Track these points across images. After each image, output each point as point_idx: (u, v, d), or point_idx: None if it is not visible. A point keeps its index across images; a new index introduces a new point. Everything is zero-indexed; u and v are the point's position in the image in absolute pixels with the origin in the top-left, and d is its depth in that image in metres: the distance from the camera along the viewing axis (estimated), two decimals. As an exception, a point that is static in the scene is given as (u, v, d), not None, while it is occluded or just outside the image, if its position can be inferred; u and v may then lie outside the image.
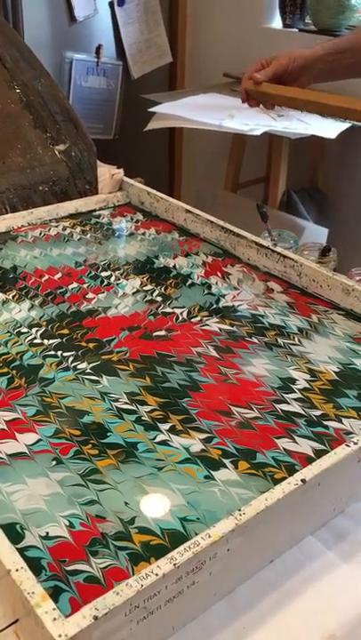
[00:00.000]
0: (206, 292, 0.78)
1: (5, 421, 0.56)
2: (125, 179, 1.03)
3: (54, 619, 0.36)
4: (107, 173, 1.04)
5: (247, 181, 2.07)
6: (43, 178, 0.99)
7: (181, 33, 2.27)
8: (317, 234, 1.71)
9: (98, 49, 2.05)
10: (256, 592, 0.46)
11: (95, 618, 0.36)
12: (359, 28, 1.09)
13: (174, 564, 0.39)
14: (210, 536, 0.40)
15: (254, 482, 0.50)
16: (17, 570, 0.38)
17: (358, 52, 0.98)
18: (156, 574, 0.38)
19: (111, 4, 2.04)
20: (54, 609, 0.36)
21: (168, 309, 0.74)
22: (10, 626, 0.40)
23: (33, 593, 0.37)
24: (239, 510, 0.42)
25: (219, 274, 0.82)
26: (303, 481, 0.45)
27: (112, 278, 0.80)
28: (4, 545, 0.40)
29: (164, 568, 0.38)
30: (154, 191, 0.99)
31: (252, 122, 1.62)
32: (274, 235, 1.09)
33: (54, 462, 0.52)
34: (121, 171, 1.05)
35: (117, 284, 0.79)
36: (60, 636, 0.35)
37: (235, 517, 0.42)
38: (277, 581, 0.47)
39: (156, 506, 0.48)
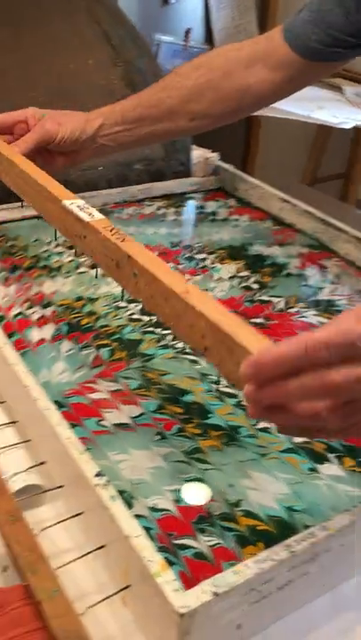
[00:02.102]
0: (303, 283, 0.77)
1: (110, 392, 0.56)
2: (220, 163, 1.03)
3: (175, 589, 0.36)
4: (201, 157, 1.04)
5: (325, 176, 2.03)
6: (139, 156, 0.99)
7: (272, 20, 2.23)
8: None
9: (187, 33, 2.04)
10: None
11: (215, 594, 0.36)
12: (146, 90, 0.79)
13: (291, 552, 0.38)
14: (326, 529, 0.40)
15: (360, 479, 0.49)
16: (136, 536, 0.39)
17: (155, 119, 0.77)
18: (273, 560, 0.38)
19: (205, -12, 2.02)
20: (174, 580, 0.36)
21: (265, 297, 0.73)
22: (119, 592, 0.41)
23: (152, 561, 0.37)
24: (355, 507, 0.42)
25: (315, 266, 0.80)
26: None
27: (207, 262, 0.80)
28: (122, 510, 0.40)
29: (281, 555, 0.38)
30: (249, 177, 0.98)
31: (342, 115, 1.58)
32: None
33: (158, 437, 0.52)
34: (215, 155, 1.04)
35: (212, 268, 0.79)
36: (182, 607, 0.35)
37: (351, 513, 0.41)
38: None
39: (260, 491, 0.48)
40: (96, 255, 0.55)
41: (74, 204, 0.57)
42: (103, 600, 0.40)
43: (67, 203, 0.57)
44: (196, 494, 0.47)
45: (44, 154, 0.75)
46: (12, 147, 0.73)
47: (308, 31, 0.69)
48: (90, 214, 0.56)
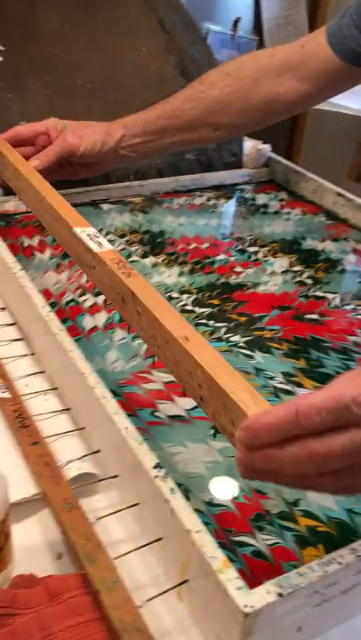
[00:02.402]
0: (358, 280, 0.75)
1: (164, 383, 0.56)
2: (272, 155, 1.01)
3: (238, 587, 0.35)
4: (253, 148, 1.02)
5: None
6: (191, 146, 0.98)
7: (322, 12, 2.18)
8: None
9: (235, 22, 2.01)
10: None
11: (280, 595, 0.35)
12: (171, 100, 0.77)
13: (358, 556, 0.37)
14: (394, 534, 0.39)
15: None
16: (197, 531, 0.38)
17: (177, 130, 0.76)
18: (339, 563, 0.37)
19: (255, -23, 1.99)
20: (237, 577, 0.36)
21: (319, 293, 0.71)
22: (175, 587, 0.40)
23: (214, 557, 0.37)
24: None
25: (371, 263, 0.78)
26: None
27: (259, 254, 0.79)
28: (183, 504, 0.40)
29: (347, 558, 0.37)
30: (302, 170, 0.96)
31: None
32: None
33: (213, 430, 0.51)
34: (268, 146, 1.02)
35: (265, 261, 0.77)
36: (245, 606, 0.34)
37: None
38: None
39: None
40: (104, 286, 0.54)
41: (84, 232, 0.56)
42: (161, 594, 0.39)
43: (77, 230, 0.56)
44: (225, 489, 0.47)
45: (65, 165, 0.75)
46: (33, 160, 0.72)
47: (353, 35, 0.69)
48: (99, 244, 0.55)
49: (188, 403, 0.54)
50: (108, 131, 0.75)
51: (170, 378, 0.56)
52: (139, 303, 0.48)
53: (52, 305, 0.66)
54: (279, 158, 1.00)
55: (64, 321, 0.63)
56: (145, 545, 0.43)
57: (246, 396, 0.38)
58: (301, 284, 0.73)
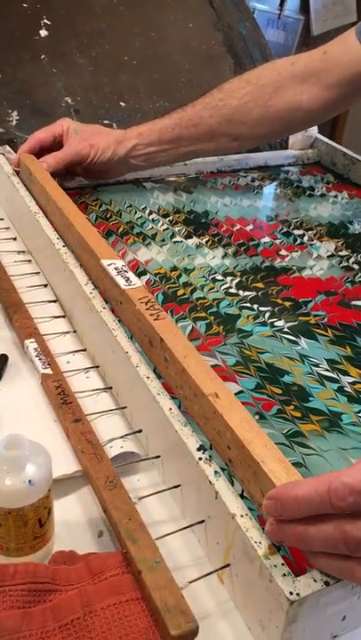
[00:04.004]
0: None
1: (207, 365, 0.55)
2: (319, 136, 0.98)
3: (283, 574, 0.34)
4: (299, 129, 0.99)
5: None
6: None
7: (372, -10, 2.11)
8: None
9: (282, 1, 1.96)
10: None
11: (326, 584, 0.34)
12: (188, 108, 0.74)
13: None
14: None
15: None
16: (242, 515, 0.38)
17: (194, 140, 0.73)
18: (388, 555, 0.36)
19: None
20: (283, 564, 0.35)
21: (367, 279, 0.69)
22: (218, 570, 0.40)
23: (260, 543, 0.36)
24: None
25: None
26: None
27: (305, 238, 0.77)
28: (227, 487, 0.39)
29: None
30: (350, 152, 0.93)
31: None
32: None
33: (257, 417, 0.50)
34: (314, 128, 0.99)
35: (311, 245, 0.75)
36: (291, 593, 0.33)
37: None
38: None
39: (366, 482, 0.45)
40: (131, 325, 0.52)
41: (112, 265, 0.54)
42: (203, 577, 0.39)
43: (105, 263, 0.54)
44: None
45: (74, 168, 0.75)
46: (42, 162, 0.72)
47: None
48: (127, 279, 0.53)
49: (232, 387, 0.53)
50: (119, 140, 0.73)
51: (213, 361, 0.56)
52: (167, 350, 0.46)
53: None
54: (326, 140, 0.97)
55: (106, 301, 0.63)
56: (187, 527, 0.42)
57: (278, 466, 0.36)
58: (348, 269, 0.71)
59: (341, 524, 0.31)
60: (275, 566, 0.35)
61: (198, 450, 0.42)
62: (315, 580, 0.34)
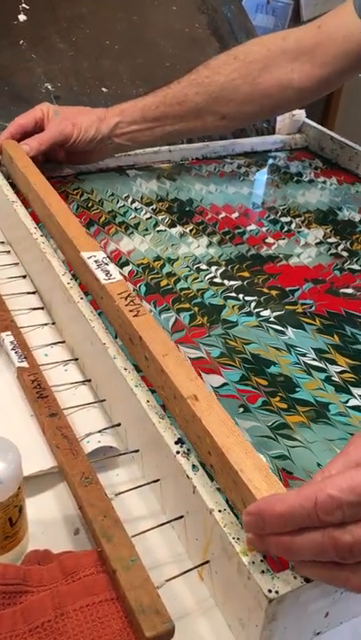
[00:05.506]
0: None
1: (190, 359, 0.53)
2: (307, 121, 0.96)
3: (262, 571, 0.33)
4: (287, 114, 0.97)
5: None
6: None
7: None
8: None
9: (271, -15, 1.93)
10: None
11: (307, 580, 0.33)
12: (173, 85, 0.72)
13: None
14: None
15: None
16: (220, 511, 0.36)
17: (179, 118, 0.71)
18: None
19: None
20: (262, 560, 0.33)
21: (356, 266, 0.68)
22: (197, 567, 0.38)
23: (238, 539, 0.34)
24: None
25: None
26: None
27: (292, 225, 0.75)
28: (205, 482, 0.38)
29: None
30: (338, 136, 0.91)
31: None
32: None
33: (241, 409, 0.49)
34: (302, 112, 0.97)
35: (298, 232, 0.74)
36: (270, 591, 0.32)
37: None
38: None
39: (352, 474, 0.44)
40: (113, 321, 0.50)
41: (92, 257, 0.52)
42: (181, 574, 0.37)
43: (85, 255, 0.52)
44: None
45: (57, 151, 0.72)
46: (23, 145, 0.69)
47: None
48: (107, 273, 0.51)
49: (216, 380, 0.51)
50: (101, 117, 0.71)
51: (197, 354, 0.54)
52: (146, 349, 0.44)
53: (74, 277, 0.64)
54: (314, 124, 0.95)
55: (87, 293, 0.61)
56: (165, 523, 0.41)
57: (257, 475, 0.35)
58: (336, 256, 0.70)
59: (330, 531, 0.29)
60: (253, 563, 0.33)
61: (176, 443, 0.40)
62: (295, 577, 0.33)
